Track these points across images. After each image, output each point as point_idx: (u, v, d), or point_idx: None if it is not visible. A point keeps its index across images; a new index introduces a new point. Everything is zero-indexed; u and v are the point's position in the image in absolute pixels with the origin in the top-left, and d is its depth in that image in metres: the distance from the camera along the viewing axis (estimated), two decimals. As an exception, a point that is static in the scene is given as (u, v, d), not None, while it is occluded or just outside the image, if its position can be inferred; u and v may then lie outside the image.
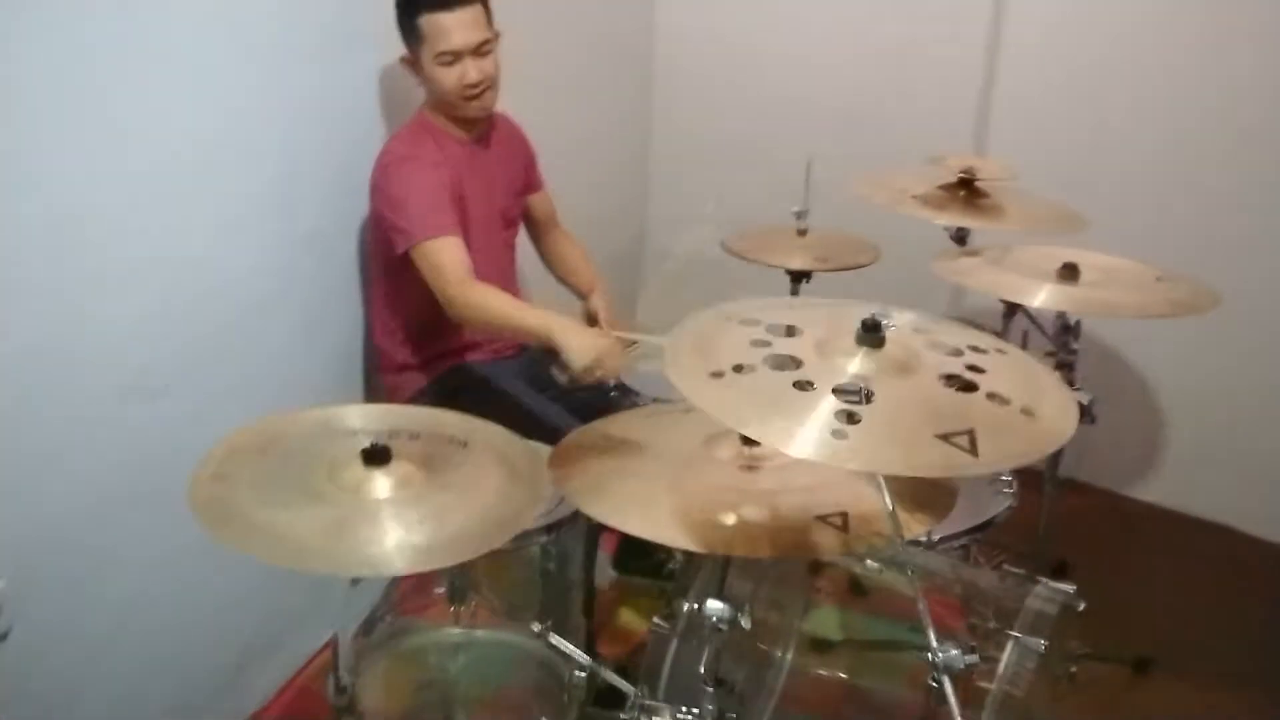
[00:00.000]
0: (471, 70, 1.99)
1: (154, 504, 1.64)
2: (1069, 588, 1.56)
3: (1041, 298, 1.64)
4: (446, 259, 1.92)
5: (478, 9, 1.99)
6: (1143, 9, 2.59)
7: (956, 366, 1.21)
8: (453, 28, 1.96)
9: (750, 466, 1.44)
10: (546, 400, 2.07)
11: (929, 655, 1.22)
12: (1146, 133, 2.66)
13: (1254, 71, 2.52)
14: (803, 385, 1.16)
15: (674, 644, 1.48)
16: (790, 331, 1.28)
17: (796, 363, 1.19)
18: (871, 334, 1.21)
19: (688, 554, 1.45)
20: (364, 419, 1.43)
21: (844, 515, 1.30)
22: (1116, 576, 2.53)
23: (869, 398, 1.12)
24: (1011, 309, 2.27)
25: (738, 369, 1.19)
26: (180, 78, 1.65)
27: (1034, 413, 1.14)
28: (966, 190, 2.11)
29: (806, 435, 1.06)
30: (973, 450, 1.05)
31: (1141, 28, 2.59)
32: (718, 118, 3.22)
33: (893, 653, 1.70)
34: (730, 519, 1.30)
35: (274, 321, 1.94)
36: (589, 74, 3.01)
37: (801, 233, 2.33)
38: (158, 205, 1.65)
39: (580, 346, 1.85)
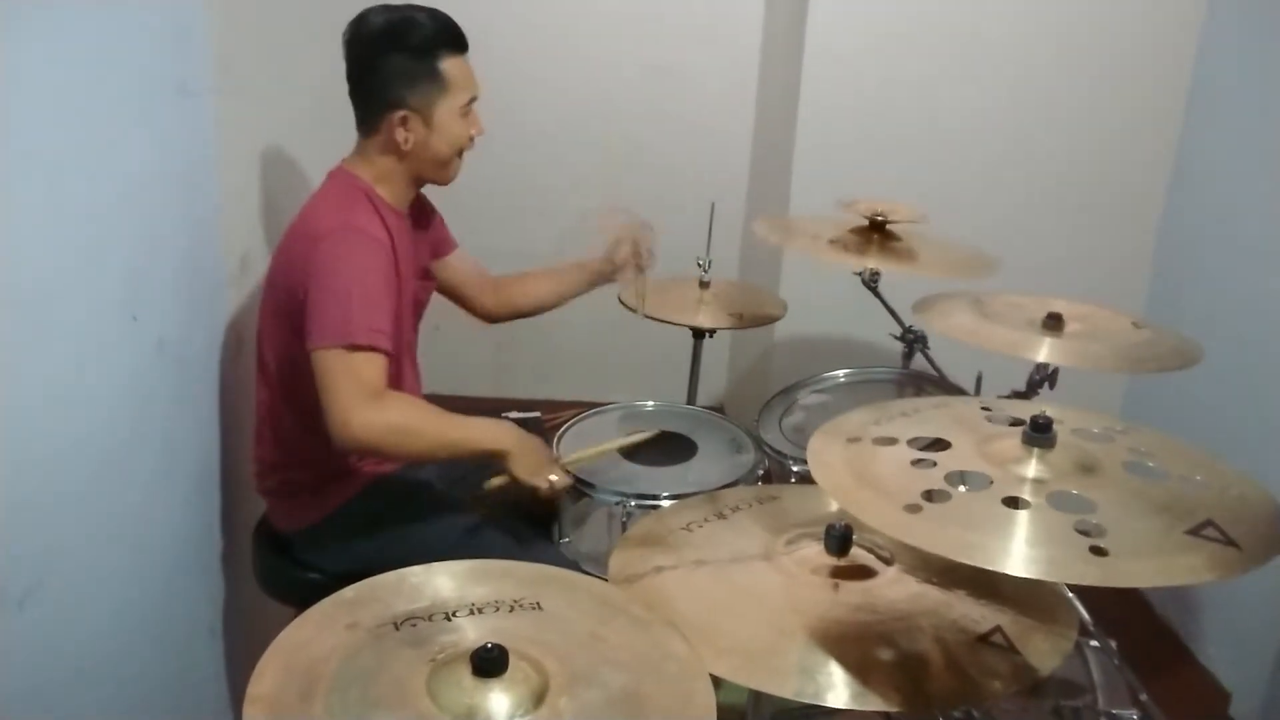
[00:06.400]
0: (478, 120, 1.68)
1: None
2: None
3: (1044, 352, 1.60)
4: (370, 373, 1.50)
5: None
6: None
7: (1126, 454, 1.12)
8: (471, 72, 1.66)
9: (836, 583, 1.27)
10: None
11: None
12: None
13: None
14: (1014, 502, 1.02)
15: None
16: (940, 445, 1.13)
17: (988, 480, 1.05)
18: (1042, 434, 1.09)
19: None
20: (384, 602, 1.09)
21: (999, 630, 1.16)
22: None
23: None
24: (911, 350, 2.27)
25: (930, 496, 1.03)
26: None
27: (1232, 489, 1.07)
28: (879, 234, 2.06)
29: (1068, 561, 0.95)
30: (1229, 542, 0.96)
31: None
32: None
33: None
34: (887, 654, 1.11)
35: (133, 465, 1.47)
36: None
37: (704, 284, 2.17)
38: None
39: (531, 467, 1.62)
